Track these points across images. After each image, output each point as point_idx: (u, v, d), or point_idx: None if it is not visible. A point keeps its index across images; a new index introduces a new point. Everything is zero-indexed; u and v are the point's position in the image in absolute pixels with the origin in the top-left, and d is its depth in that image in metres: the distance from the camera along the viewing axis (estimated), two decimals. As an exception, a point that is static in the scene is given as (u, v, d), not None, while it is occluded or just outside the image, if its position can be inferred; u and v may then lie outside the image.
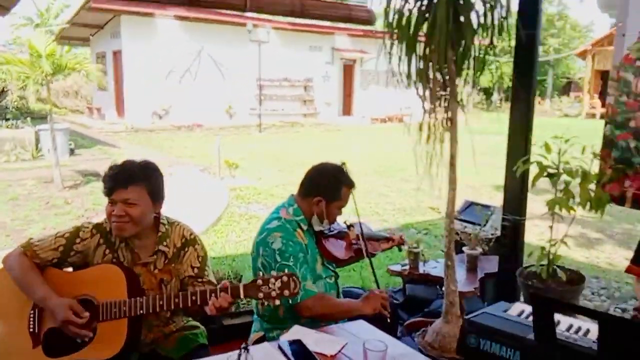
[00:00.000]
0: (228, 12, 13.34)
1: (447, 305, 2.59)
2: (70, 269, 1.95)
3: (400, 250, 2.79)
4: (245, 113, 17.67)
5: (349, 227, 2.44)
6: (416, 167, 2.39)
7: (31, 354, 1.78)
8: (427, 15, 2.21)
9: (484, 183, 8.65)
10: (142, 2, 14.30)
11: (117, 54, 16.65)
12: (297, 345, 1.57)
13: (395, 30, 2.32)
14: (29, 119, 11.62)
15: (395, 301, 3.74)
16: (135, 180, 1.86)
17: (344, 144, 14.36)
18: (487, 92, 28.49)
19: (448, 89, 2.39)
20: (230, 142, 13.18)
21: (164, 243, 1.98)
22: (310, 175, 2.24)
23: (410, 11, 2.31)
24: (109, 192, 1.86)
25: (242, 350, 1.46)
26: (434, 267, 3.20)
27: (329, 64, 20.11)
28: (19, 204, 6.85)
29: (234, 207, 7.00)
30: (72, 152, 11.02)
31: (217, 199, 7.31)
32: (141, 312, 1.79)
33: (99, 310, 1.79)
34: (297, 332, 1.70)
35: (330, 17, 2.84)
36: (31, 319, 1.81)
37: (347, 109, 21.22)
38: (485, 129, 13.95)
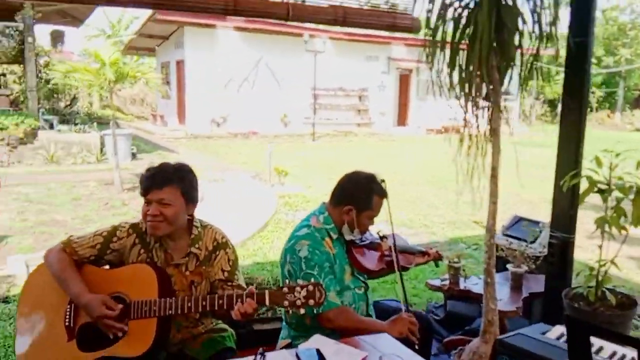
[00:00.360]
0: (285, 23, 13.57)
1: (486, 324, 2.48)
2: (107, 267, 2.03)
3: (437, 265, 2.69)
4: (300, 122, 17.88)
5: (381, 238, 2.38)
6: (456, 179, 2.33)
7: (65, 347, 1.85)
8: (470, 21, 2.16)
9: (543, 197, 8.27)
10: (204, 14, 14.85)
11: (180, 64, 17.37)
12: (315, 355, 1.54)
13: (437, 38, 2.27)
14: (95, 123, 12.31)
15: (435, 317, 3.64)
16: (170, 182, 1.92)
17: (398, 154, 14.20)
18: (553, 104, 27.32)
19: (491, 99, 2.31)
20: (284, 150, 13.37)
21: (196, 245, 2.02)
22: (342, 183, 2.22)
23: (453, 18, 2.26)
24: (145, 192, 1.93)
25: (258, 355, 1.46)
26: (476, 283, 3.08)
27: (384, 73, 20.01)
28: (81, 204, 7.25)
29: (282, 214, 7.07)
30: (134, 156, 11.54)
31: (266, 206, 7.40)
32: (170, 312, 1.82)
33: (130, 309, 1.85)
34: (316, 341, 1.68)
35: (374, 25, 2.81)
36: (67, 313, 1.89)
37: (402, 119, 20.99)
38: (544, 142, 13.38)
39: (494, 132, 2.31)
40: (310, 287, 1.72)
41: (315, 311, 1.92)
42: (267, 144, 11.80)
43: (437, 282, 3.20)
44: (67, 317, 1.88)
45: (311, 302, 1.71)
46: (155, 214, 1.89)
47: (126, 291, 1.89)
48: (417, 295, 4.52)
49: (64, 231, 5.78)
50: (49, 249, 1.97)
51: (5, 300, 3.90)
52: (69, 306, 1.89)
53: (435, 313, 3.76)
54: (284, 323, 2.29)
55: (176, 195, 1.92)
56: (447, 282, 3.12)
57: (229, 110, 16.84)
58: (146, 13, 15.35)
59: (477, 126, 2.36)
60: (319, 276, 2.00)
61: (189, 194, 1.97)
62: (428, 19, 2.22)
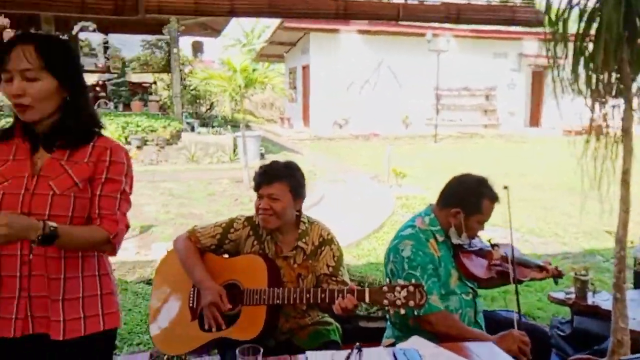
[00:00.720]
0: (408, 23, 13.44)
1: (615, 344, 2.24)
2: (226, 255, 2.22)
3: (556, 283, 2.50)
4: (422, 123, 17.56)
5: (493, 246, 2.27)
6: (582, 184, 2.15)
7: (189, 325, 2.07)
8: (595, 10, 1.97)
9: None
10: (328, 20, 15.30)
11: (305, 69, 18.10)
12: (412, 356, 1.54)
13: (560, 31, 2.11)
14: (229, 126, 13.34)
15: (560, 333, 3.36)
16: (279, 178, 2.06)
17: (528, 157, 13.26)
18: None
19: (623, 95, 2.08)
20: (404, 151, 13.24)
21: (304, 240, 2.13)
22: (450, 185, 2.17)
23: (578, 7, 2.08)
24: (257, 187, 2.09)
25: (355, 349, 1.50)
26: (606, 299, 2.80)
27: (514, 71, 18.79)
28: (215, 199, 7.93)
29: (399, 215, 7.03)
30: (262, 156, 12.26)
31: (383, 207, 7.42)
32: (277, 302, 1.95)
33: (243, 295, 2.01)
34: (415, 342, 1.67)
35: (491, 20, 2.69)
36: (191, 296, 2.11)
37: (534, 120, 19.53)
38: None
39: (626, 132, 2.08)
40: (411, 288, 1.72)
41: (415, 313, 1.90)
42: (387, 145, 11.82)
43: (560, 295, 2.96)
44: (191, 299, 2.10)
45: (411, 303, 1.71)
46: (266, 207, 2.04)
47: (240, 279, 2.05)
48: (541, 308, 4.21)
49: (199, 222, 6.38)
50: (177, 237, 2.21)
51: (149, 282, 4.43)
52: (192, 289, 2.11)
53: (560, 329, 3.47)
54: (388, 322, 2.30)
55: (284, 190, 2.05)
56: (572, 296, 2.87)
57: (350, 113, 17.13)
58: (276, 22, 16.25)
59: (607, 126, 2.15)
60: (421, 277, 1.98)
61: (296, 190, 2.09)
62: (548, 9, 2.07)
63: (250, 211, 2.24)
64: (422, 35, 16.10)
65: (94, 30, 11.96)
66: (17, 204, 1.40)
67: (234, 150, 11.52)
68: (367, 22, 14.36)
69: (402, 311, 1.73)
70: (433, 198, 2.33)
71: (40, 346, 1.43)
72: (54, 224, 1.33)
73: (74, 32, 11.87)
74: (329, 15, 2.41)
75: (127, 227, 1.53)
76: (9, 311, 1.41)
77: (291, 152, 14.00)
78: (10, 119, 1.58)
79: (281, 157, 13.10)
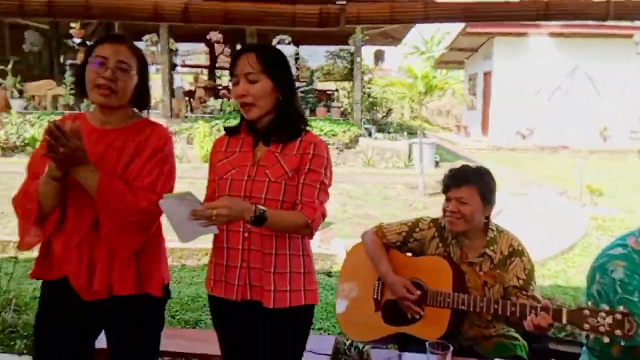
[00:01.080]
0: (611, 24, 11.90)
1: None
2: (409, 254, 2.26)
3: None
4: (624, 136, 15.36)
5: None
6: None
7: (372, 315, 2.17)
8: None
9: None
10: (513, 22, 14.35)
11: (487, 75, 17.27)
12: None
13: None
14: (405, 133, 13.42)
15: None
16: (468, 182, 2.04)
17: None
18: None
19: None
20: (601, 167, 11.80)
21: (491, 248, 2.06)
22: None
23: None
24: (445, 189, 2.10)
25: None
26: None
27: None
28: (389, 203, 8.07)
29: (593, 237, 6.30)
30: (436, 164, 12.08)
31: (573, 226, 6.72)
32: (462, 307, 1.92)
33: (427, 296, 2.03)
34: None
35: None
36: (376, 288, 2.20)
37: None
38: None
39: None
40: (619, 316, 1.56)
41: (623, 343, 1.69)
42: (578, 159, 10.66)
43: None
44: (376, 291, 2.20)
45: (618, 332, 1.55)
46: (454, 210, 2.04)
47: (424, 279, 2.08)
48: None
49: (375, 225, 6.57)
50: (365, 231, 2.34)
51: (329, 274, 4.72)
52: (377, 282, 2.20)
53: None
54: (584, 348, 2.09)
55: (473, 194, 2.02)
56: None
57: (536, 122, 15.81)
58: (457, 28, 15.86)
59: None
60: None
61: (486, 195, 2.04)
62: None
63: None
64: (629, 36, 14.08)
65: (289, 43, 13.12)
66: (241, 188, 1.66)
67: (409, 156, 11.58)
68: (561, 24, 13.14)
69: (606, 339, 1.58)
70: (636, 222, 2.05)
71: (255, 312, 1.66)
72: (263, 207, 1.54)
73: (272, 45, 13.22)
74: (528, 17, 2.29)
75: (324, 215, 1.69)
76: (233, 278, 1.67)
77: (467, 161, 13.47)
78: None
79: (456, 166, 12.68)
